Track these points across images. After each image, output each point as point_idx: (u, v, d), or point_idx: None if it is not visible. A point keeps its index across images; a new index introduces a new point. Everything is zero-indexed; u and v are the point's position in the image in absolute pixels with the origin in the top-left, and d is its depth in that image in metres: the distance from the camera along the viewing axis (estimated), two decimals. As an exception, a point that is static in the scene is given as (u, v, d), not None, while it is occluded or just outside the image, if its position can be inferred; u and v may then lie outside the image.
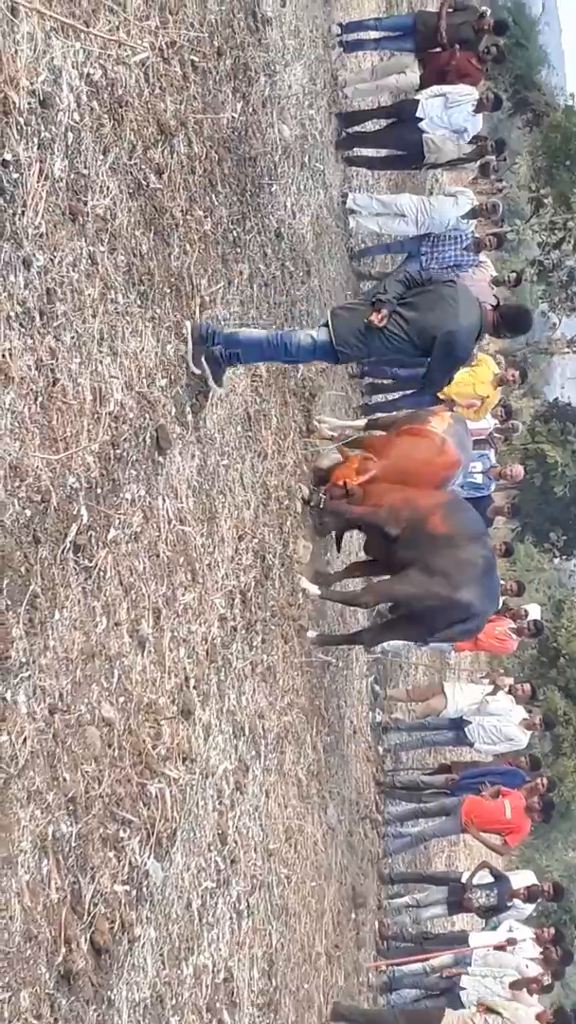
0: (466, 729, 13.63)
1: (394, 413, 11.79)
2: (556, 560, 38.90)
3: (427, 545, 8.72)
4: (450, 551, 8.69)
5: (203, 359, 6.63)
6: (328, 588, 9.53)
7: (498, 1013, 9.43)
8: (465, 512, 9.07)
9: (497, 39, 13.70)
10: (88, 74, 5.17)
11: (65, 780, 4.40)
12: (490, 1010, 9.50)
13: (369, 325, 7.29)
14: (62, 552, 4.55)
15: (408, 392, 12.76)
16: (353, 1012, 9.45)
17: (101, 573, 4.93)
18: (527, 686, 14.48)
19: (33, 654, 4.25)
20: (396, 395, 13.39)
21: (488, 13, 13.22)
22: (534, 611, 16.14)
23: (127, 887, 4.88)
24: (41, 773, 4.22)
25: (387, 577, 9.32)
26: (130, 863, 4.94)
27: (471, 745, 13.98)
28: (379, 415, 11.76)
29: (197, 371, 6.59)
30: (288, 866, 7.97)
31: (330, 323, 7.33)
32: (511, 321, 8.27)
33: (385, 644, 13.51)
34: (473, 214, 13.61)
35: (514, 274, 18.06)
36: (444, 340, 7.44)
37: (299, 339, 7.33)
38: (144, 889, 5.11)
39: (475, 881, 11.77)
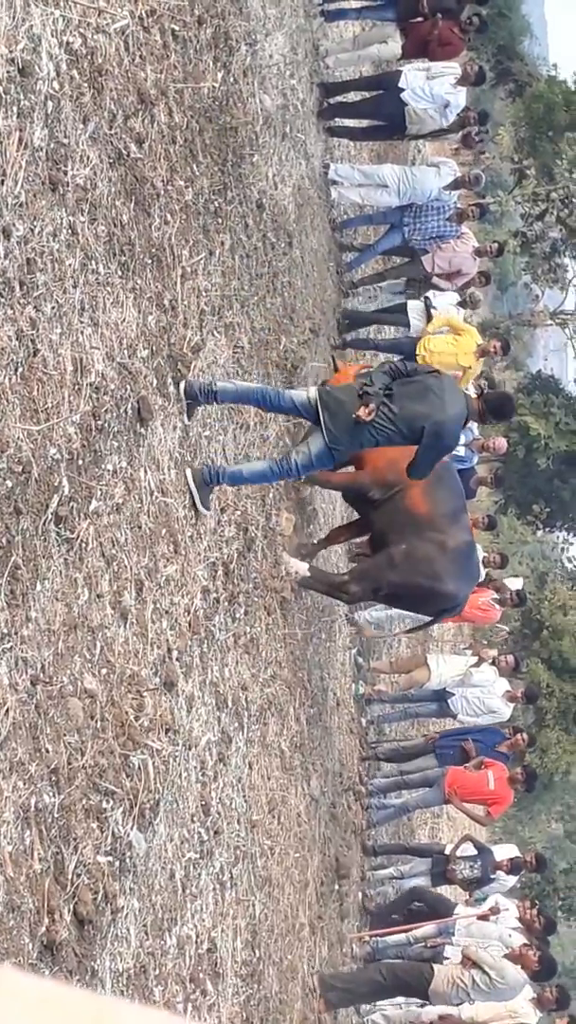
0: (449, 701, 13.66)
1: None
2: (539, 532, 38.89)
3: (407, 524, 8.82)
4: (433, 535, 8.81)
5: (193, 482, 6.80)
6: (315, 569, 9.53)
7: (483, 970, 9.51)
8: (446, 482, 9.12)
9: (479, 8, 13.67)
10: (68, 42, 5.13)
11: (47, 751, 4.40)
12: (476, 965, 9.58)
13: (358, 421, 7.38)
14: (43, 523, 4.53)
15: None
16: (340, 978, 9.51)
17: (83, 544, 4.92)
18: (510, 658, 14.52)
19: (15, 625, 4.24)
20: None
21: (470, -18, 13.18)
22: (516, 585, 16.23)
23: (110, 858, 4.89)
24: (23, 744, 4.22)
25: (368, 556, 9.36)
26: (113, 834, 4.94)
27: (454, 716, 14.00)
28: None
29: (204, 511, 6.86)
30: (271, 837, 7.99)
31: (320, 407, 7.40)
32: (496, 409, 8.52)
33: (368, 616, 13.59)
34: (455, 185, 13.60)
35: (496, 245, 18.05)
36: (432, 430, 7.54)
37: (296, 460, 7.55)
38: (127, 860, 5.11)
39: (458, 853, 11.82)
